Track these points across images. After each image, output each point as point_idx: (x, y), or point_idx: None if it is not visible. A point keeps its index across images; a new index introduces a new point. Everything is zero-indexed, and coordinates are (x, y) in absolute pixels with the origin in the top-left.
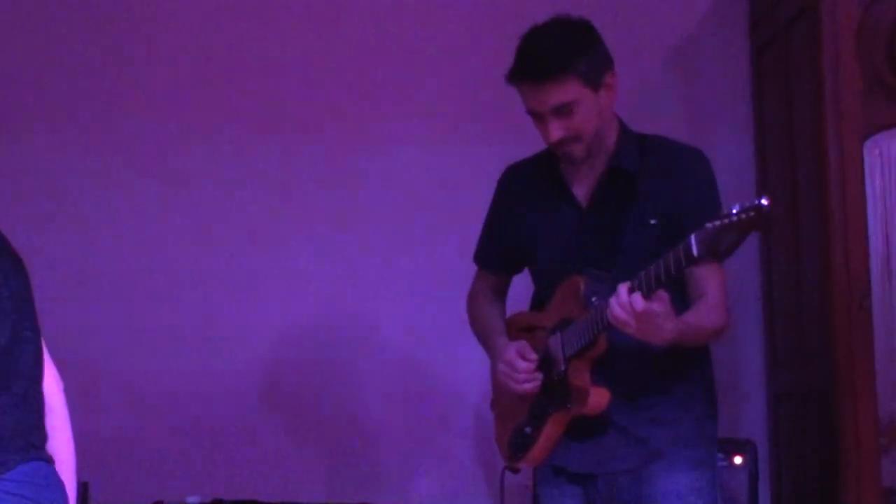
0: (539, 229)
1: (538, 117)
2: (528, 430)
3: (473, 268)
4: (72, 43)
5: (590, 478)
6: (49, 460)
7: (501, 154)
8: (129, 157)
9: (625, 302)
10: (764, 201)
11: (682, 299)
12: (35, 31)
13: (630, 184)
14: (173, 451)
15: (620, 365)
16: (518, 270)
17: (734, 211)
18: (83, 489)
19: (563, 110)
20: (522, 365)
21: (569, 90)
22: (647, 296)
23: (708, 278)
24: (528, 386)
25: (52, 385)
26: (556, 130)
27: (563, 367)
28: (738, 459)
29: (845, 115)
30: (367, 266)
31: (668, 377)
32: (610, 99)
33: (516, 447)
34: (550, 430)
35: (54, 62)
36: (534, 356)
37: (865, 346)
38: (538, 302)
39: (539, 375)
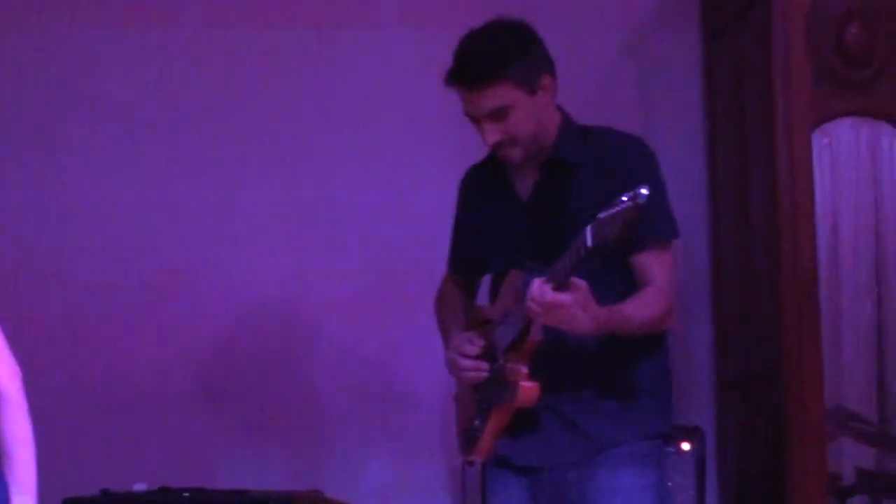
0: (487, 226)
1: (475, 121)
2: (476, 422)
3: (430, 259)
4: None
5: (535, 470)
6: None
7: (449, 154)
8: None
9: (535, 294)
10: (644, 191)
11: (629, 287)
12: None
13: (569, 175)
14: (120, 439)
15: (567, 359)
16: (485, 271)
17: (624, 199)
18: None
19: (498, 115)
20: (469, 350)
21: (503, 95)
22: (559, 287)
23: (653, 265)
24: (472, 375)
25: (5, 375)
26: (492, 134)
27: (500, 360)
28: (685, 446)
29: (795, 105)
30: (325, 252)
31: (616, 370)
32: (548, 101)
33: (468, 440)
34: (494, 423)
35: None
36: (479, 343)
37: (813, 334)
38: (494, 296)
39: (484, 366)
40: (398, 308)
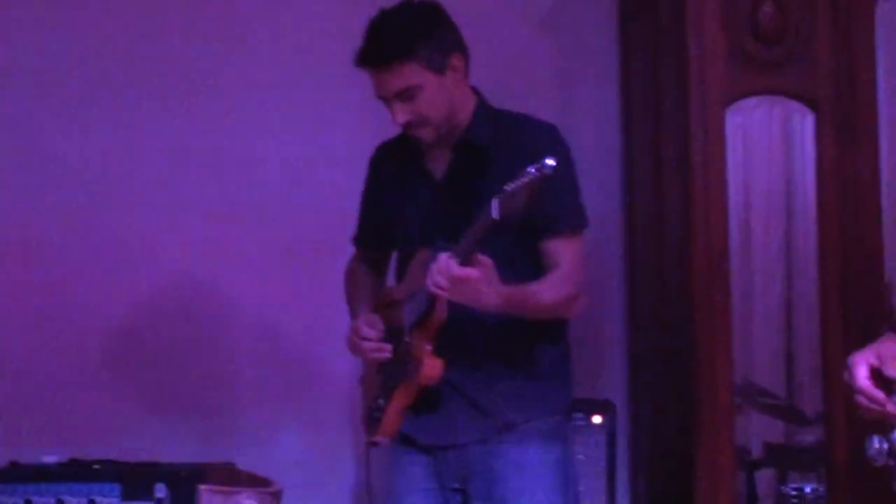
0: (399, 205)
1: (385, 101)
2: (380, 401)
3: (342, 233)
4: None
5: (439, 449)
6: None
7: (367, 132)
8: None
9: (442, 268)
10: (550, 161)
11: (537, 272)
12: None
13: (482, 157)
14: (28, 409)
15: (470, 337)
16: (392, 248)
17: (531, 170)
18: None
19: (407, 95)
20: (369, 334)
21: (410, 76)
22: (465, 262)
23: (560, 251)
24: (375, 356)
25: None
26: (401, 115)
27: (406, 338)
28: (597, 419)
29: (709, 83)
30: (237, 225)
31: (520, 349)
32: (458, 81)
33: (372, 420)
34: (398, 401)
35: None
36: (380, 327)
37: (723, 310)
38: (402, 275)
39: (388, 346)
40: (311, 280)
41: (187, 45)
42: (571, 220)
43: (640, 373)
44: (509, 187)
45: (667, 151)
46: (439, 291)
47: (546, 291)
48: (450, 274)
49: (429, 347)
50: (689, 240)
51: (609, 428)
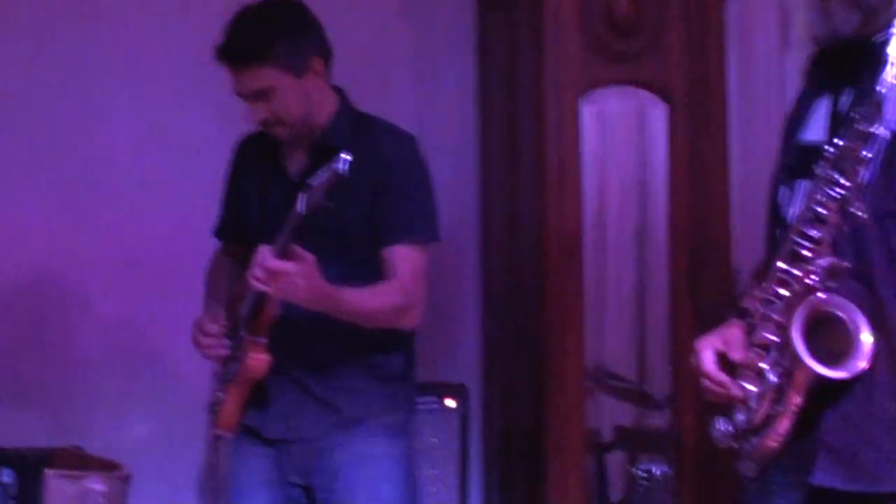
0: (255, 201)
1: (242, 98)
2: (220, 394)
3: (199, 228)
4: None
5: (284, 442)
6: None
7: (227, 124)
8: None
9: (258, 260)
10: (345, 156)
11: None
12: None
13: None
14: None
15: (313, 333)
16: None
17: (332, 166)
18: None
19: (263, 95)
20: (209, 330)
21: (266, 77)
22: (281, 255)
23: (400, 261)
24: (210, 353)
25: None
26: (258, 114)
27: (241, 333)
28: (450, 403)
29: (565, 73)
30: (90, 215)
31: (363, 346)
32: (318, 83)
33: (214, 413)
34: (233, 395)
35: None
36: (222, 322)
37: (576, 295)
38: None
39: (225, 343)
40: (161, 267)
41: (42, 33)
42: (415, 230)
43: (493, 357)
44: (313, 182)
45: (523, 139)
46: (256, 284)
47: (371, 299)
48: (265, 266)
49: (260, 342)
50: (542, 226)
51: (462, 411)
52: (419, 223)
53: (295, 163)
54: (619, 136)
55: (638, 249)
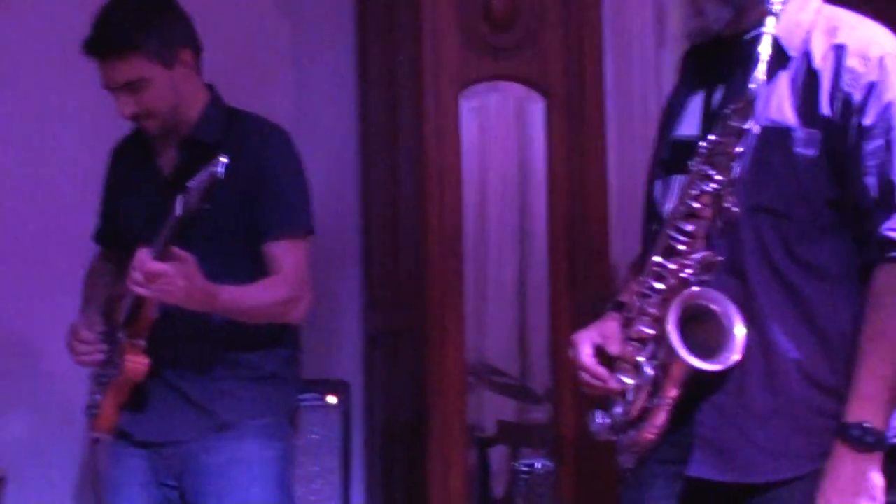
0: (130, 203)
1: (111, 91)
2: (97, 397)
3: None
4: None
5: (157, 445)
6: None
7: (103, 125)
8: None
9: (136, 263)
10: (223, 159)
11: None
12: None
13: (210, 156)
14: None
15: (192, 337)
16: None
17: (211, 169)
18: None
19: (132, 87)
20: (85, 337)
21: (134, 68)
22: (160, 257)
23: (281, 256)
24: (85, 359)
25: None
26: (126, 106)
27: (119, 335)
28: (331, 399)
29: (443, 68)
30: None
31: (243, 351)
32: (188, 76)
33: (91, 416)
34: (111, 398)
35: None
36: (99, 328)
37: (456, 290)
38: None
39: (100, 348)
40: (38, 268)
41: None
42: (293, 224)
43: (375, 353)
44: (191, 184)
45: (403, 135)
46: (135, 287)
47: (257, 294)
48: (144, 269)
49: (139, 344)
50: (423, 222)
51: (344, 408)
52: (297, 216)
53: (167, 161)
54: (499, 132)
55: (519, 245)
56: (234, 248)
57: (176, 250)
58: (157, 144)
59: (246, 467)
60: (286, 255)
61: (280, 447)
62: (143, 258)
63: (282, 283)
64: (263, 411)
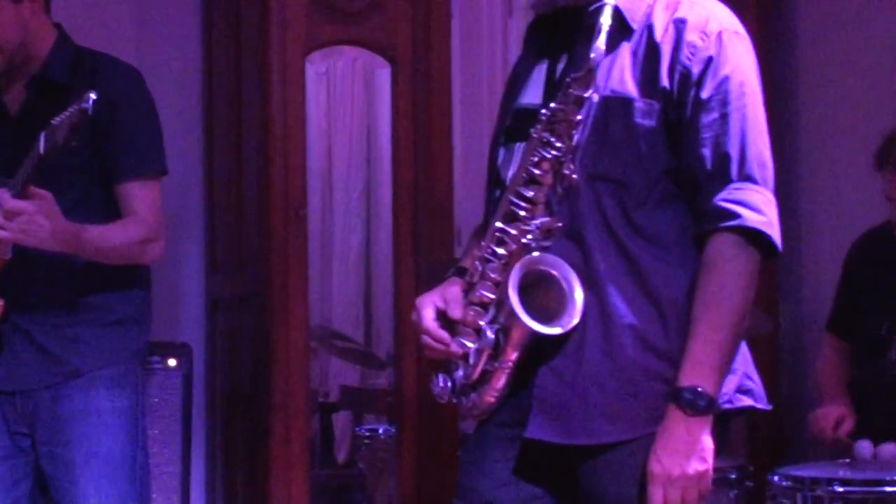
0: None
1: None
2: None
3: None
4: None
5: (7, 393)
6: None
7: None
8: None
9: None
10: (91, 95)
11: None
12: None
13: (59, 94)
14: None
15: (42, 281)
16: None
17: (76, 105)
18: None
19: None
20: None
21: None
22: (19, 195)
23: (135, 196)
24: None
25: None
26: None
27: None
28: (172, 362)
29: (289, 32)
30: None
31: (94, 295)
32: (36, 11)
33: None
34: None
35: None
36: None
37: (300, 255)
38: None
39: None
40: None
41: None
42: (147, 165)
43: (217, 316)
44: (55, 121)
45: (248, 98)
46: None
47: (114, 234)
48: (3, 207)
49: None
50: (267, 186)
51: (185, 371)
52: (151, 156)
53: (15, 99)
54: (347, 96)
55: (365, 210)
56: (85, 188)
57: (34, 189)
58: (2, 81)
59: (96, 417)
60: (140, 195)
61: (131, 396)
62: (2, 197)
63: (139, 224)
64: (115, 359)
